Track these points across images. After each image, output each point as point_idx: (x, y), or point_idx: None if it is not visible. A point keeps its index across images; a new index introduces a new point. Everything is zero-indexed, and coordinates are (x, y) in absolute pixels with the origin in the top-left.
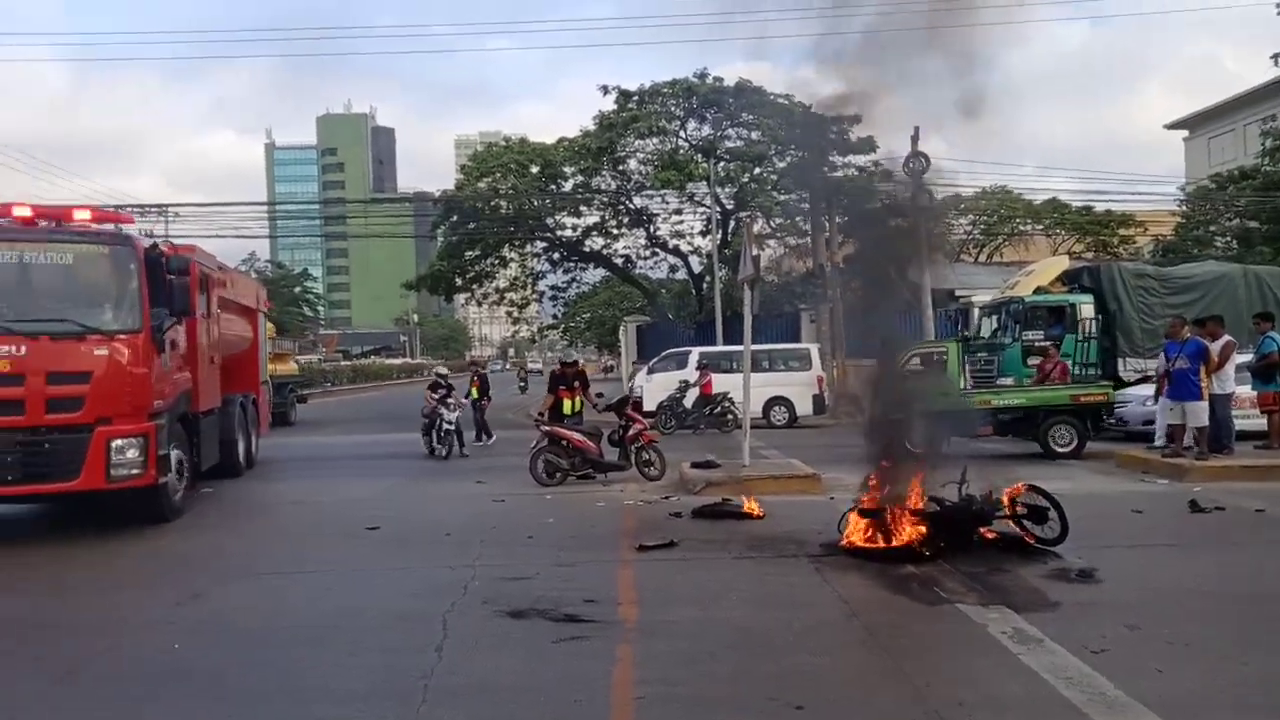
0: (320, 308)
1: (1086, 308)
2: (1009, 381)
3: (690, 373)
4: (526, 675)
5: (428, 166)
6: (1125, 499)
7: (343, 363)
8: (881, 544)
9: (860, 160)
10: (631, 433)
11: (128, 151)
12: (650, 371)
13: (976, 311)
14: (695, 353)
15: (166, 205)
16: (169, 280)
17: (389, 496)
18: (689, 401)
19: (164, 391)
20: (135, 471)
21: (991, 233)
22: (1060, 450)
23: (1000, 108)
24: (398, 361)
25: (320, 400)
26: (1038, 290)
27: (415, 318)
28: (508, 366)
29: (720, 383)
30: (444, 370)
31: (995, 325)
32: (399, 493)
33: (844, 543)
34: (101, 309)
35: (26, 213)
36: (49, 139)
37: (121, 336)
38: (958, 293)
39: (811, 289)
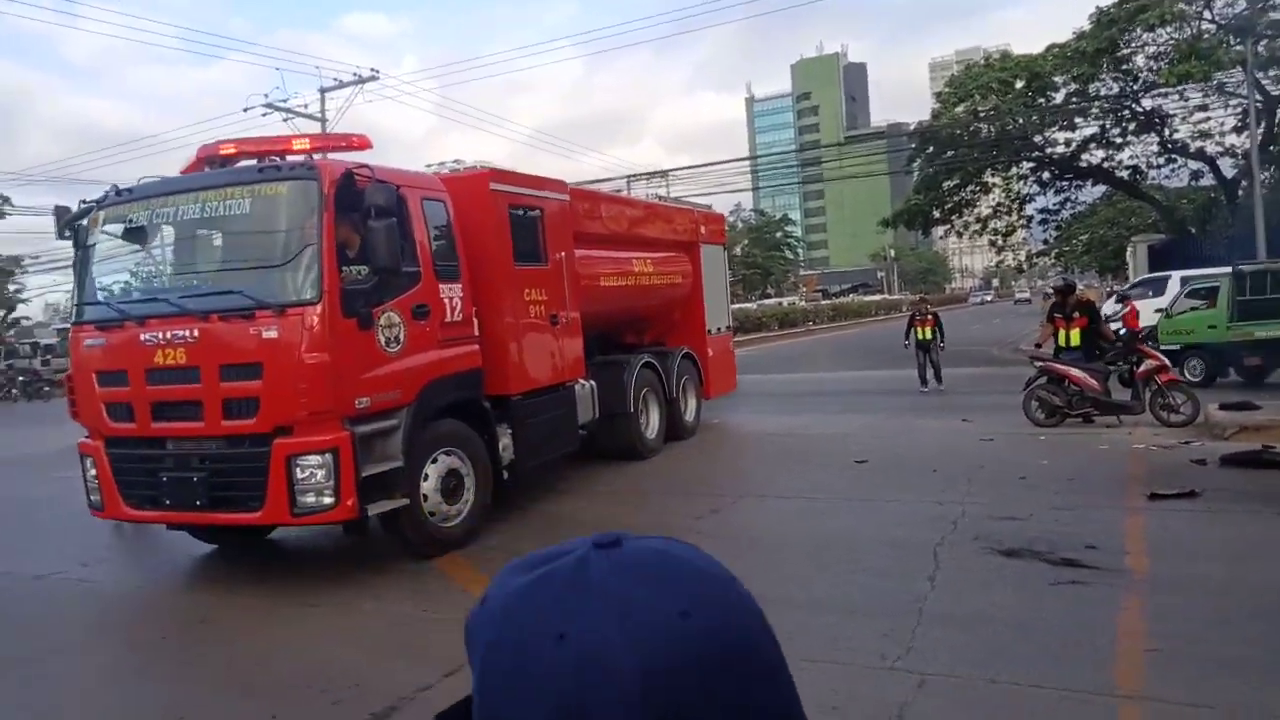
0: (799, 250)
1: None
2: None
3: (1169, 299)
4: (1021, 612)
5: (901, 96)
6: None
7: (822, 302)
8: None
9: None
10: (1144, 369)
11: (629, 123)
12: (1119, 300)
13: None
14: (1176, 276)
15: (667, 171)
16: (373, 225)
17: (875, 431)
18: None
19: (384, 382)
20: (326, 501)
21: None
22: None
23: None
24: (875, 298)
25: (801, 339)
26: None
27: (892, 253)
28: (990, 298)
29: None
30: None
31: None
32: (884, 427)
33: None
34: (277, 272)
35: (229, 150)
36: (569, 121)
37: (293, 310)
38: None
39: None
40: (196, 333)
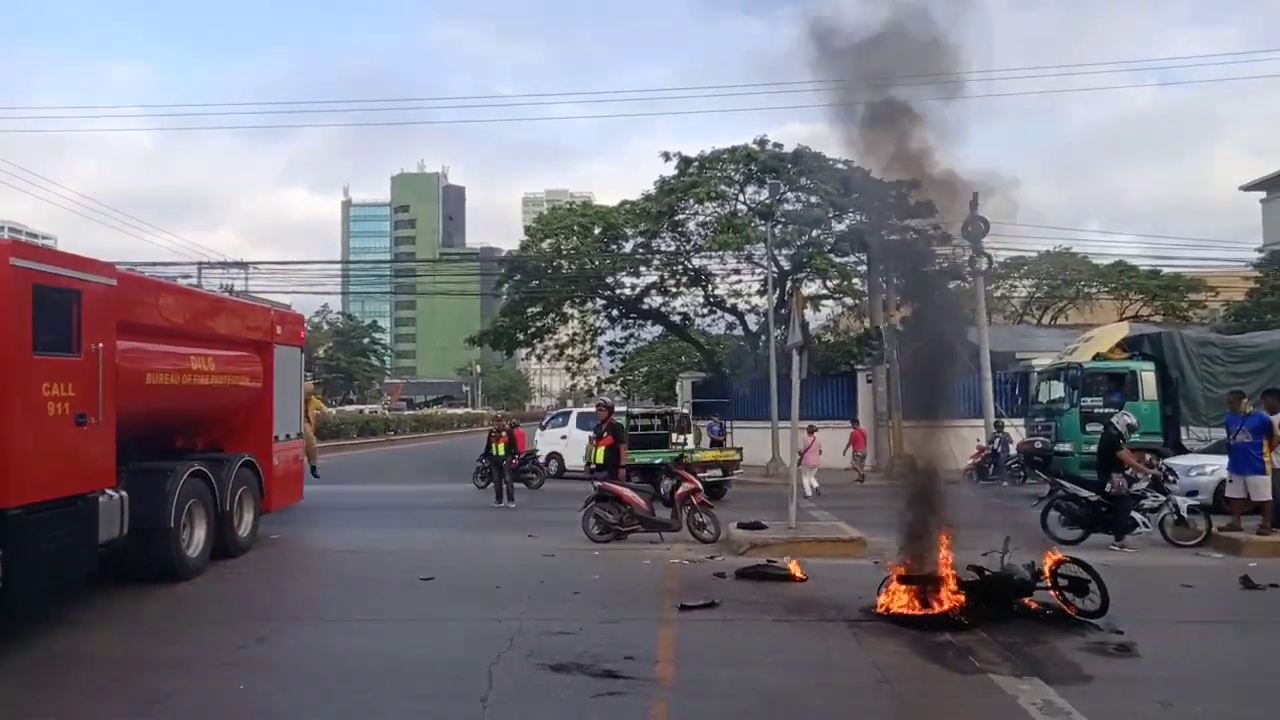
0: (386, 358)
1: (1147, 375)
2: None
3: (570, 429)
4: None
5: (496, 222)
6: (1177, 573)
7: (406, 412)
8: (920, 611)
9: (919, 223)
10: (681, 491)
11: (208, 208)
12: (542, 427)
13: (1035, 376)
14: (575, 413)
15: (248, 263)
16: None
17: (444, 548)
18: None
19: None
20: None
21: (1055, 295)
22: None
23: (1063, 172)
24: (460, 411)
25: (381, 449)
26: (1097, 356)
27: (478, 368)
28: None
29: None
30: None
31: (1050, 391)
32: (454, 544)
33: (883, 608)
34: None
35: None
36: (138, 196)
37: None
38: (1019, 355)
39: (868, 350)
40: None
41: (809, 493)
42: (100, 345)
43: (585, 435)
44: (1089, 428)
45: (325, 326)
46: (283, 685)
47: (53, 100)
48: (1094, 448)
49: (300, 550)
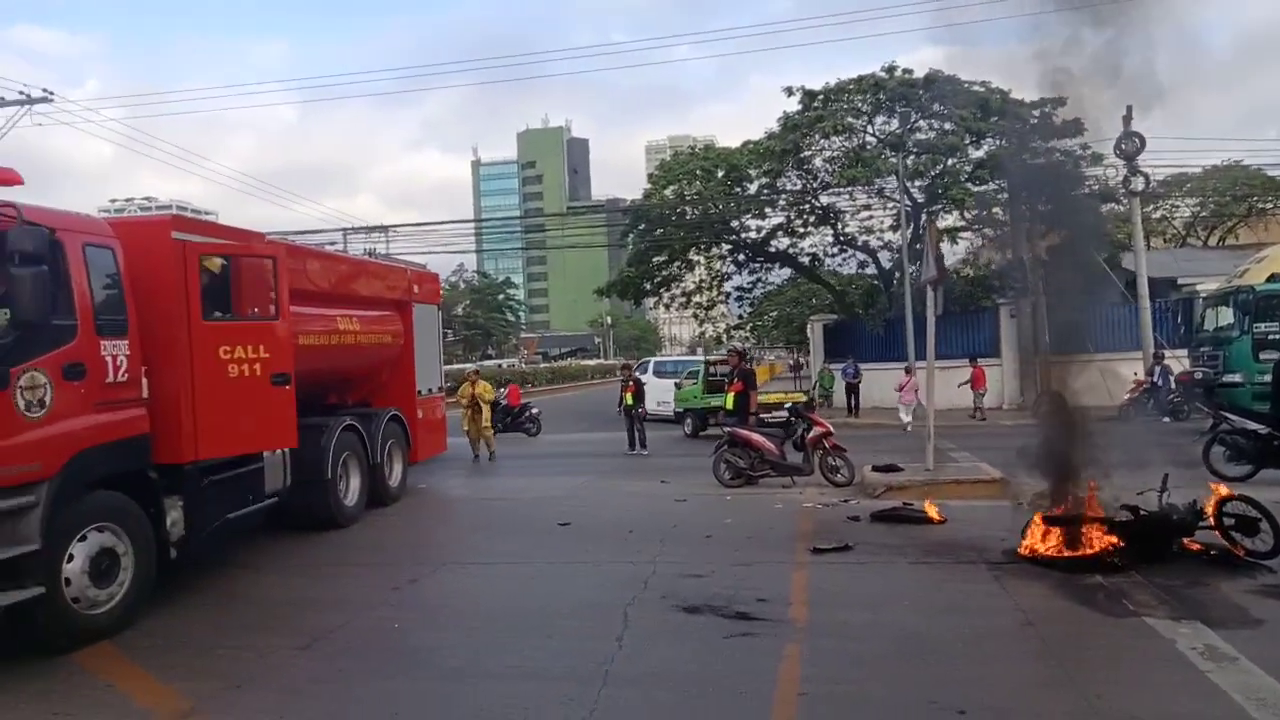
0: (521, 313)
1: None
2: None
3: (649, 377)
4: (698, 667)
5: (620, 173)
6: None
7: (541, 364)
8: (1068, 553)
9: (1067, 144)
10: (813, 435)
11: (347, 175)
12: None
13: (1200, 302)
14: (651, 362)
15: (388, 227)
16: (15, 273)
17: (580, 494)
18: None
19: (19, 453)
20: None
21: (1223, 213)
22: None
23: (1232, 76)
24: (592, 362)
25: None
26: (1272, 277)
27: (609, 319)
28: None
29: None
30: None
31: (1218, 318)
32: (589, 490)
33: (1027, 550)
34: None
35: None
36: (281, 167)
37: None
38: (1181, 281)
39: (1011, 282)
40: None
41: (907, 429)
42: (256, 309)
43: (662, 383)
44: (1262, 355)
45: (462, 285)
46: (431, 624)
47: (202, 83)
48: (1267, 377)
49: (446, 498)
